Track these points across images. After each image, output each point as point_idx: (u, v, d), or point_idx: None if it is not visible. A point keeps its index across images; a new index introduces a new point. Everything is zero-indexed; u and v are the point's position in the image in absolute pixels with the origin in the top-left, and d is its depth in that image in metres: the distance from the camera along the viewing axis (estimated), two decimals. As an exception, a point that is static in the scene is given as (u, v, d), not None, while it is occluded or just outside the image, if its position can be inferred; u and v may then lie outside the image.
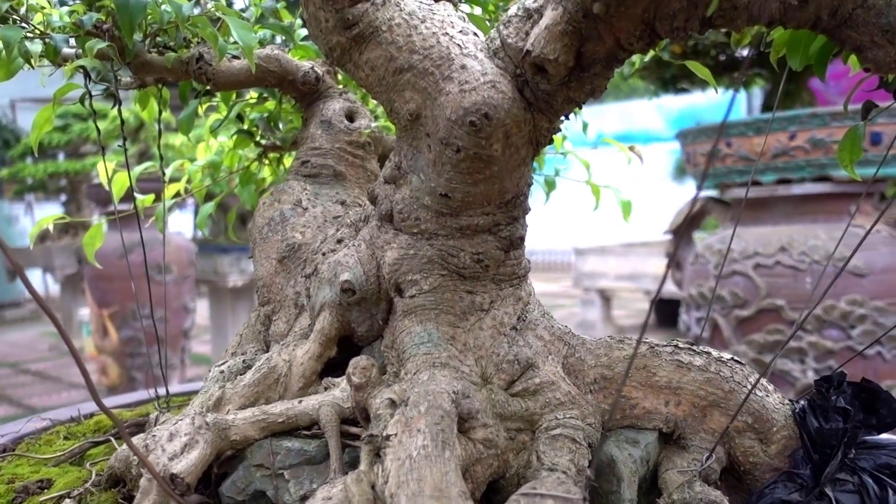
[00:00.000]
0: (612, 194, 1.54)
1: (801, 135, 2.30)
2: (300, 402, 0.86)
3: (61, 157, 7.65)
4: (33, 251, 7.66)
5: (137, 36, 1.14)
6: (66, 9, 1.04)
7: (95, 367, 5.27)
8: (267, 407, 0.86)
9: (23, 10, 1.01)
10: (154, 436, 0.78)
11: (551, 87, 0.78)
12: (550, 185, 1.54)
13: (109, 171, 1.22)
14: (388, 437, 0.74)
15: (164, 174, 1.21)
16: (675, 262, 2.84)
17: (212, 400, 0.89)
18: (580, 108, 0.85)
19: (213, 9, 1.00)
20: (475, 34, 0.84)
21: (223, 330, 6.76)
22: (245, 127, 1.44)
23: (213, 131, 1.44)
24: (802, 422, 0.85)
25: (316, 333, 0.91)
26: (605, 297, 7.39)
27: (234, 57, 1.15)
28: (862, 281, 2.24)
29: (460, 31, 0.83)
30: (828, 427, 0.85)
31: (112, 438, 1.04)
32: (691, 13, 0.73)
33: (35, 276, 8.15)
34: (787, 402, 0.89)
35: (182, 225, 7.35)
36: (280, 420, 0.85)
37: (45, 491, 0.88)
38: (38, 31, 1.00)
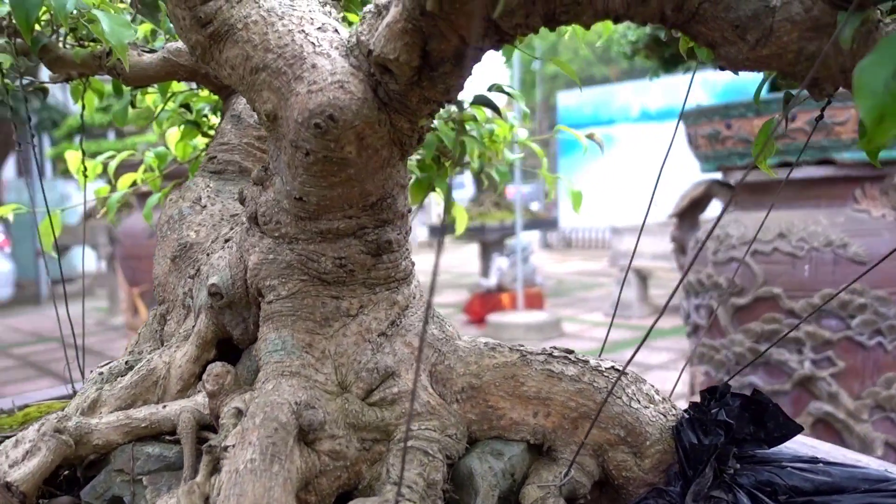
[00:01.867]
0: (566, 183, 1.50)
1: (801, 116, 2.20)
2: (164, 407, 0.85)
3: (111, 136, 7.81)
4: (78, 229, 7.88)
5: (48, 31, 1.13)
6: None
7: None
8: (132, 411, 0.85)
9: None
10: (3, 442, 0.78)
11: (400, 87, 0.75)
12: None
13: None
14: (226, 448, 0.73)
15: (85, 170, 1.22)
16: (679, 247, 2.76)
17: (87, 402, 0.89)
18: (442, 107, 0.81)
19: (93, 2, 0.98)
20: (336, 31, 0.81)
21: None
22: (192, 117, 1.43)
23: (158, 122, 1.43)
24: (678, 436, 0.81)
25: (193, 336, 0.90)
26: (642, 277, 7.29)
27: (150, 51, 1.14)
28: (862, 269, 2.14)
29: (318, 28, 0.81)
30: (705, 441, 0.80)
31: None
32: (530, 9, 0.69)
33: (87, 253, 8.39)
34: (672, 413, 0.85)
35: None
36: (143, 425, 0.84)
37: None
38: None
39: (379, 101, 0.77)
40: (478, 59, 0.76)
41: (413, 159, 1.47)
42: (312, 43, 0.79)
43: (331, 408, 0.79)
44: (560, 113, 13.73)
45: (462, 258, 12.77)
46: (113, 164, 1.50)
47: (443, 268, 11.98)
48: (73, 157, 1.44)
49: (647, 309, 7.22)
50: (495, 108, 1.41)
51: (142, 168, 1.54)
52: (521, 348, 0.86)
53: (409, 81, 0.75)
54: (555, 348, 0.88)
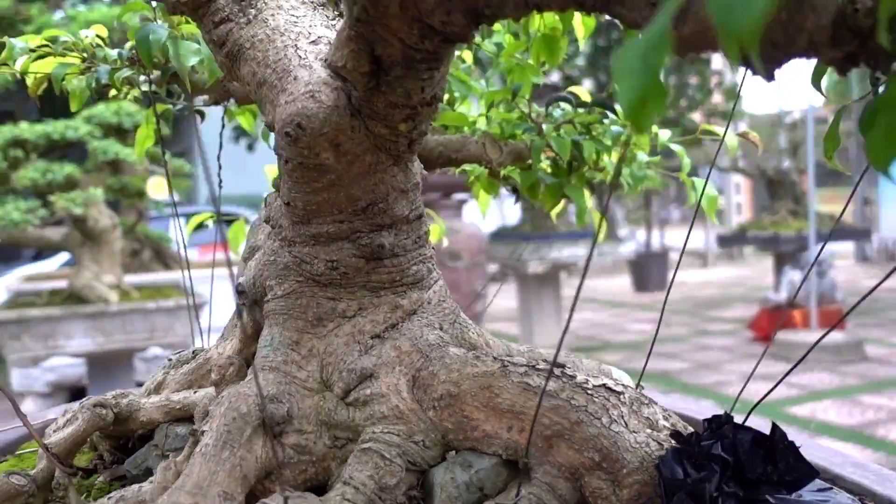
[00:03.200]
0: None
1: None
2: (195, 392, 0.95)
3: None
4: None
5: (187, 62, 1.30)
6: (116, 50, 1.22)
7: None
8: (172, 394, 0.96)
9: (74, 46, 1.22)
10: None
11: (361, 94, 0.77)
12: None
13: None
14: (203, 433, 0.80)
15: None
16: None
17: (154, 384, 1.01)
18: (416, 112, 0.80)
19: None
20: (329, 43, 0.85)
21: (529, 314, 7.03)
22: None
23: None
24: (659, 468, 0.72)
25: (237, 330, 0.99)
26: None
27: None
28: None
29: (312, 42, 0.85)
30: (693, 477, 0.71)
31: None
32: (449, 6, 0.67)
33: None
34: (663, 441, 0.76)
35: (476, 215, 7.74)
36: (178, 407, 0.94)
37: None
38: (83, 67, 1.20)
39: (353, 109, 0.79)
40: (432, 62, 0.74)
41: (545, 163, 1.44)
42: (300, 56, 0.83)
43: (305, 404, 0.82)
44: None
45: (758, 270, 11.91)
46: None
47: (735, 280, 11.29)
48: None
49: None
50: (612, 110, 1.34)
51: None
52: (506, 358, 0.82)
53: (368, 87, 0.76)
54: (542, 360, 0.82)
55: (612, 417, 0.76)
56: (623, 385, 0.80)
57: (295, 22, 0.88)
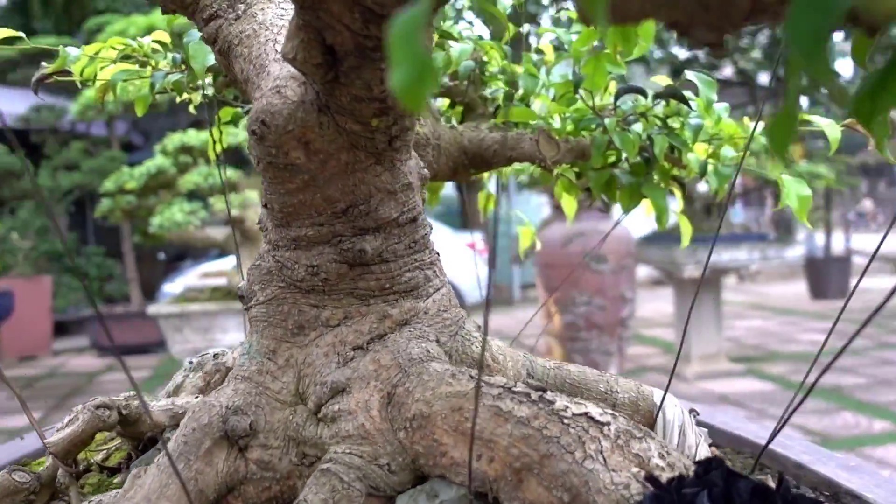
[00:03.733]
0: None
1: None
2: (196, 397, 0.93)
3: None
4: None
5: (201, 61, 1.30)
6: (171, 55, 1.24)
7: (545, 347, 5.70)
8: (177, 398, 0.94)
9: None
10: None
11: (321, 87, 0.71)
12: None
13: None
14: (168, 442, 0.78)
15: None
16: None
17: (173, 386, 1.01)
18: (385, 104, 0.73)
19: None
20: (310, 35, 0.80)
21: (685, 320, 6.68)
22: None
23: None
24: (633, 515, 0.61)
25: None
26: None
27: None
28: None
29: (292, 35, 0.80)
30: (671, 530, 0.60)
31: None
32: (378, -16, 0.60)
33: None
34: (641, 484, 0.64)
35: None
36: (181, 411, 0.93)
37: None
38: (141, 72, 1.23)
39: (320, 104, 0.74)
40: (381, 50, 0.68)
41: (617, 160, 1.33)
42: (276, 50, 0.79)
43: (274, 417, 0.78)
44: None
45: (961, 280, 10.68)
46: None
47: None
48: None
49: None
50: (683, 100, 1.21)
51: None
52: (486, 378, 0.74)
53: (326, 80, 0.70)
54: (526, 381, 0.73)
55: (588, 452, 0.66)
56: (612, 414, 0.69)
57: (282, 16, 0.84)
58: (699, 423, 1.30)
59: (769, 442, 0.83)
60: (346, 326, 0.82)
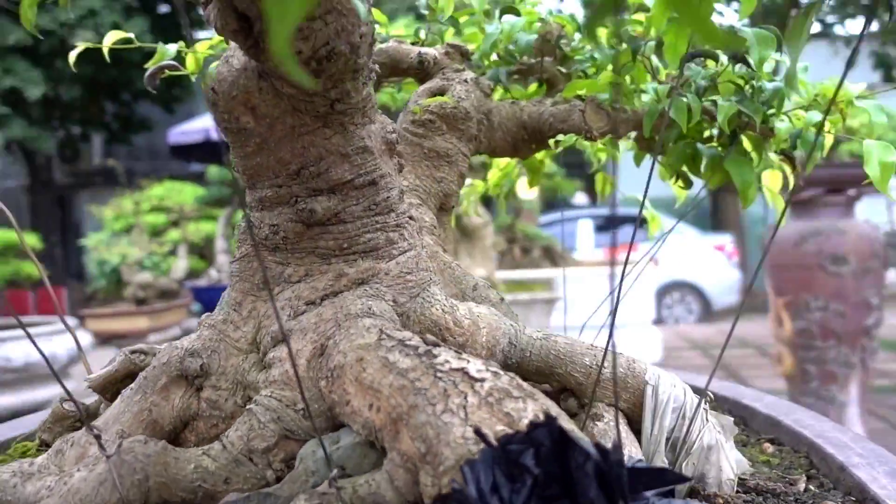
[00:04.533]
0: None
1: None
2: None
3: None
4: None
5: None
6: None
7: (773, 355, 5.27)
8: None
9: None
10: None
11: (247, 53, 0.77)
12: None
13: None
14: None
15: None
16: None
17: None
18: (317, 67, 0.76)
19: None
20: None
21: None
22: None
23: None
24: (463, 472, 0.59)
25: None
26: None
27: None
28: None
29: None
30: (496, 492, 0.58)
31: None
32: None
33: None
34: (490, 437, 0.62)
35: (873, 212, 6.56)
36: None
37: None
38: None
39: (261, 70, 0.79)
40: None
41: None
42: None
43: (229, 362, 0.84)
44: None
45: None
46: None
47: None
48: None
49: None
50: (747, 64, 1.10)
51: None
52: (391, 331, 0.74)
53: (248, 46, 0.76)
54: (425, 336, 0.72)
55: (449, 406, 0.64)
56: (495, 373, 0.67)
57: None
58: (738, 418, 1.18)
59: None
60: (305, 283, 0.86)
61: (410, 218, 0.91)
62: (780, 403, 1.21)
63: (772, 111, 1.15)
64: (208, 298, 7.70)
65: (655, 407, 0.88)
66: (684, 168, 1.28)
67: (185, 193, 8.84)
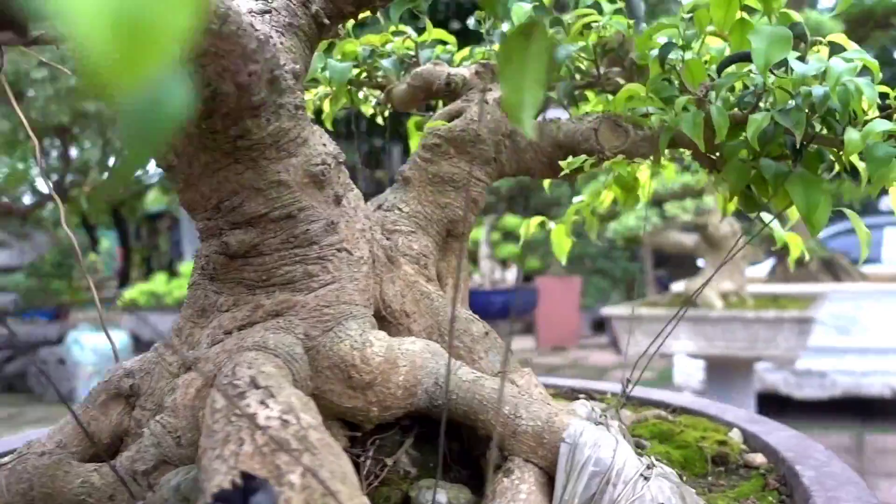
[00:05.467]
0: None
1: None
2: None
3: None
4: None
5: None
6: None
7: None
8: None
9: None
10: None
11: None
12: None
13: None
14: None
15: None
16: None
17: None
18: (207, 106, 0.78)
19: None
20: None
21: None
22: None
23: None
24: None
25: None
26: None
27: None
28: None
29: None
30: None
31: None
32: None
33: None
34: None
35: None
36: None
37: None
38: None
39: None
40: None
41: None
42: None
43: (159, 385, 0.90)
44: None
45: None
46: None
47: None
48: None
49: None
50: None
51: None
52: (240, 369, 0.74)
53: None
54: (260, 377, 0.71)
55: (223, 452, 0.64)
56: (285, 421, 0.65)
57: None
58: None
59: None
60: (230, 313, 0.89)
61: (345, 251, 0.90)
62: None
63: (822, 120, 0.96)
64: (470, 302, 8.04)
65: (571, 468, 0.78)
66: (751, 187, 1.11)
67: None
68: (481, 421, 0.84)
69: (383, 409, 0.86)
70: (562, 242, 1.52)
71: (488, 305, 8.08)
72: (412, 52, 1.36)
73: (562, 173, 1.13)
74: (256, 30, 0.79)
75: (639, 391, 1.50)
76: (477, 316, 1.04)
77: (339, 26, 1.03)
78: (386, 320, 1.00)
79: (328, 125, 1.46)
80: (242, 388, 0.70)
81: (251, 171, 0.85)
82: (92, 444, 0.88)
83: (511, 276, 9.27)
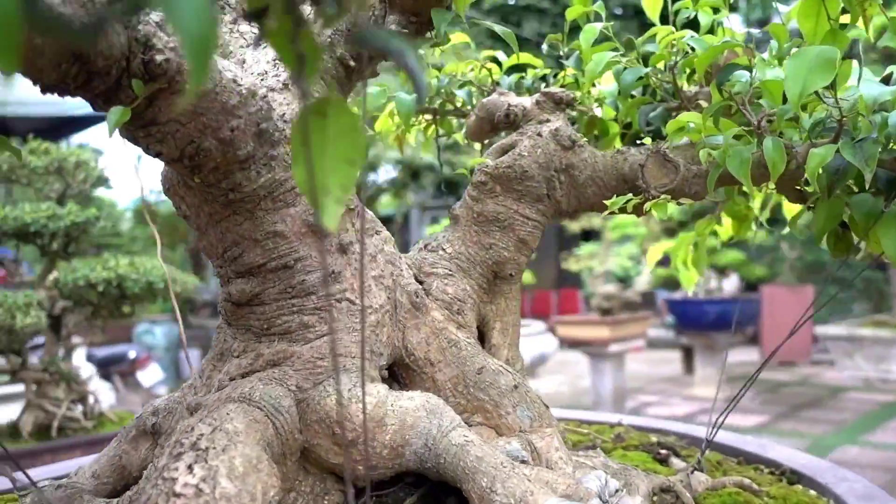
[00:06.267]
0: None
1: None
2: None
3: None
4: None
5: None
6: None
7: None
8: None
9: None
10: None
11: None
12: None
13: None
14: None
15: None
16: None
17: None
18: (190, 163, 0.79)
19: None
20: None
21: None
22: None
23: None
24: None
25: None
26: None
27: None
28: None
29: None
30: None
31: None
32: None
33: None
34: None
35: None
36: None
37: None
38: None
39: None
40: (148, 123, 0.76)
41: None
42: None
43: (178, 424, 0.93)
44: None
45: None
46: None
47: None
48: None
49: None
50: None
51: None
52: (202, 424, 0.74)
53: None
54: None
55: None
56: (199, 490, 0.64)
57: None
58: None
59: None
60: (238, 359, 0.91)
61: (346, 300, 0.89)
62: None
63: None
64: (681, 312, 7.66)
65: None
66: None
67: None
68: (464, 489, 0.79)
69: (369, 467, 0.83)
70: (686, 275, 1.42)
71: (701, 316, 7.65)
72: (494, 79, 1.31)
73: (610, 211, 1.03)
74: (239, 85, 0.79)
75: (752, 444, 1.34)
76: (508, 368, 0.98)
77: (371, 67, 1.01)
78: (410, 368, 0.97)
79: (424, 152, 1.45)
80: (182, 450, 0.71)
81: (248, 222, 0.86)
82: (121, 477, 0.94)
83: (729, 284, 8.70)
